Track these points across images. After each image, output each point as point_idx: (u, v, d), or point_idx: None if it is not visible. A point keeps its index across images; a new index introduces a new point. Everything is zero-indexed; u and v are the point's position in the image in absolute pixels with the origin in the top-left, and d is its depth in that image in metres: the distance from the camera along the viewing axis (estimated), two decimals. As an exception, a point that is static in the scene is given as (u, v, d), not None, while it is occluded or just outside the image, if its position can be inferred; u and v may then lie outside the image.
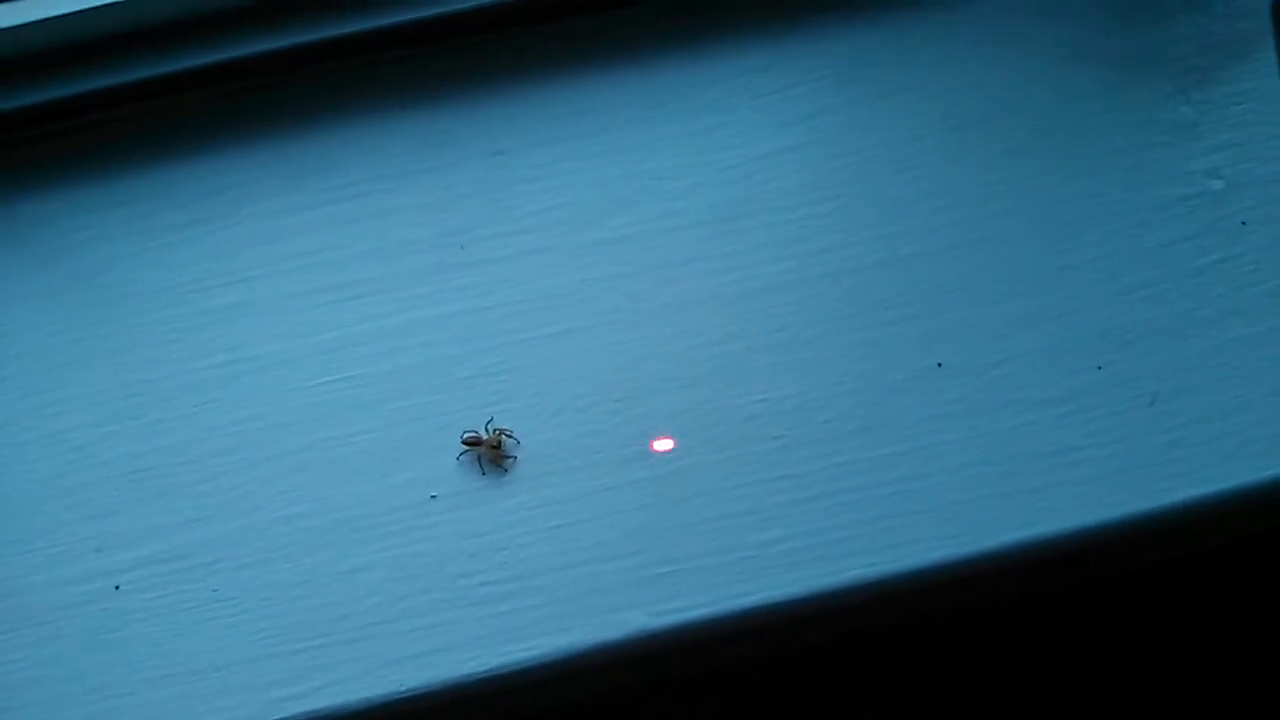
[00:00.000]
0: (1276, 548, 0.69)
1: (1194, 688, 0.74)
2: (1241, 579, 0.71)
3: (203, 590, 0.56)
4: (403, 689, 0.54)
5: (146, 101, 0.66)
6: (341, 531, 0.57)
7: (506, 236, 0.64)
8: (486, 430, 0.58)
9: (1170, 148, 0.63)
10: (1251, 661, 0.74)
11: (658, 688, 0.65)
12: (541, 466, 0.58)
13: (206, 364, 0.62)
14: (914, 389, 0.58)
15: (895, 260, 0.61)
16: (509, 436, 0.58)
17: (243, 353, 0.62)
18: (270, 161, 0.66)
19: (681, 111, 0.66)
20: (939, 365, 0.59)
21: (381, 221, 0.64)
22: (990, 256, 0.61)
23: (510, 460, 0.58)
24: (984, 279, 0.60)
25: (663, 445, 0.57)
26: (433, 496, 0.58)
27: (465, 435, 0.58)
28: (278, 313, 0.62)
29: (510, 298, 0.62)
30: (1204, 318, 0.59)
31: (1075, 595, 0.69)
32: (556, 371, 0.60)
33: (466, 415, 0.59)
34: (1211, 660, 0.73)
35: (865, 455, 0.57)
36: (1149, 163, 0.62)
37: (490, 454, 0.58)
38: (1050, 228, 0.61)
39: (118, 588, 0.57)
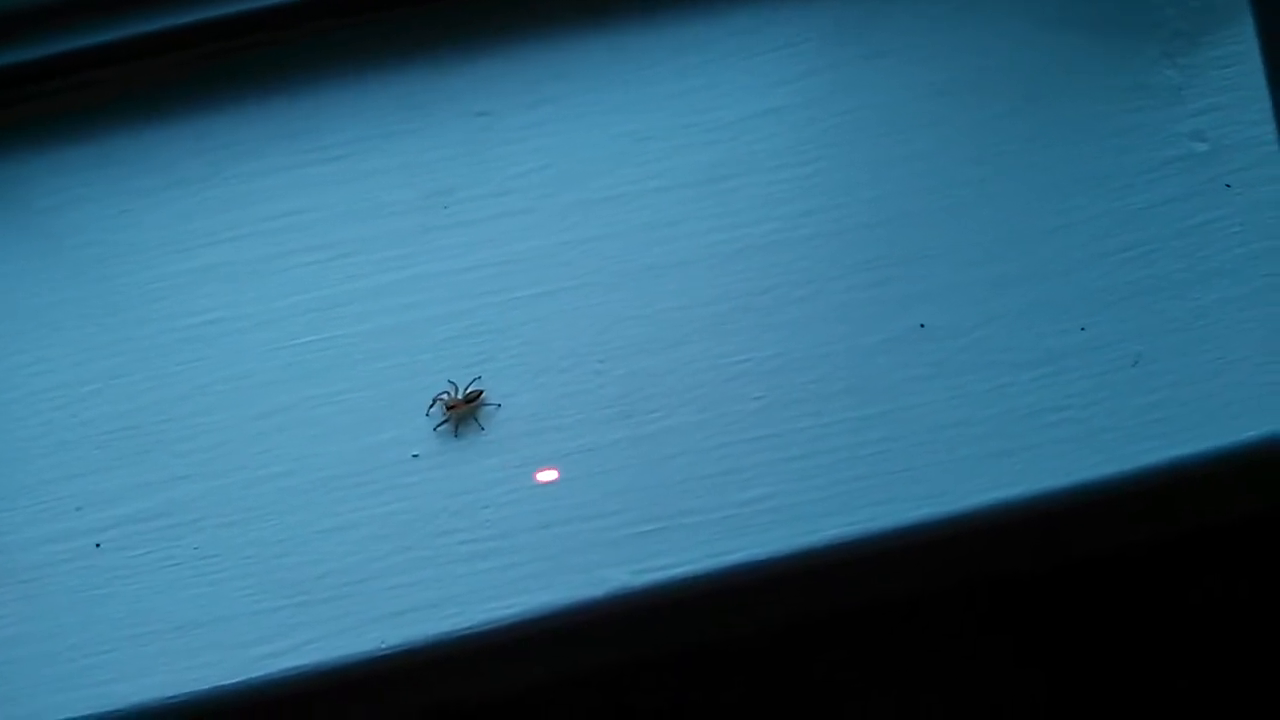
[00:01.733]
0: (1256, 522, 0.69)
1: (1179, 661, 0.74)
2: (1222, 553, 0.72)
3: (184, 548, 0.56)
4: (384, 646, 0.54)
5: (127, 63, 0.66)
6: (323, 490, 0.57)
7: (489, 198, 0.63)
8: (457, 391, 0.58)
9: (1155, 111, 0.63)
10: (1235, 635, 0.74)
11: (646, 666, 0.65)
12: (524, 426, 0.58)
13: (188, 324, 0.61)
14: (896, 350, 0.58)
15: (880, 222, 0.61)
16: (485, 405, 0.58)
17: (224, 313, 0.62)
18: (252, 122, 0.66)
19: (667, 73, 0.65)
20: (921, 326, 0.59)
21: (364, 182, 0.64)
22: (974, 219, 0.61)
23: (484, 415, 0.57)
24: (968, 241, 0.60)
25: (546, 476, 0.57)
26: (414, 455, 0.58)
27: (441, 395, 0.58)
28: (259, 273, 0.62)
29: (493, 259, 0.62)
30: (1188, 279, 0.59)
31: (1059, 571, 0.69)
32: (539, 332, 0.60)
33: (448, 375, 0.59)
34: (1195, 634, 0.74)
35: (847, 415, 0.57)
36: (1134, 126, 0.62)
37: (464, 409, 0.58)
38: (1034, 190, 0.61)
39: (99, 546, 0.57)
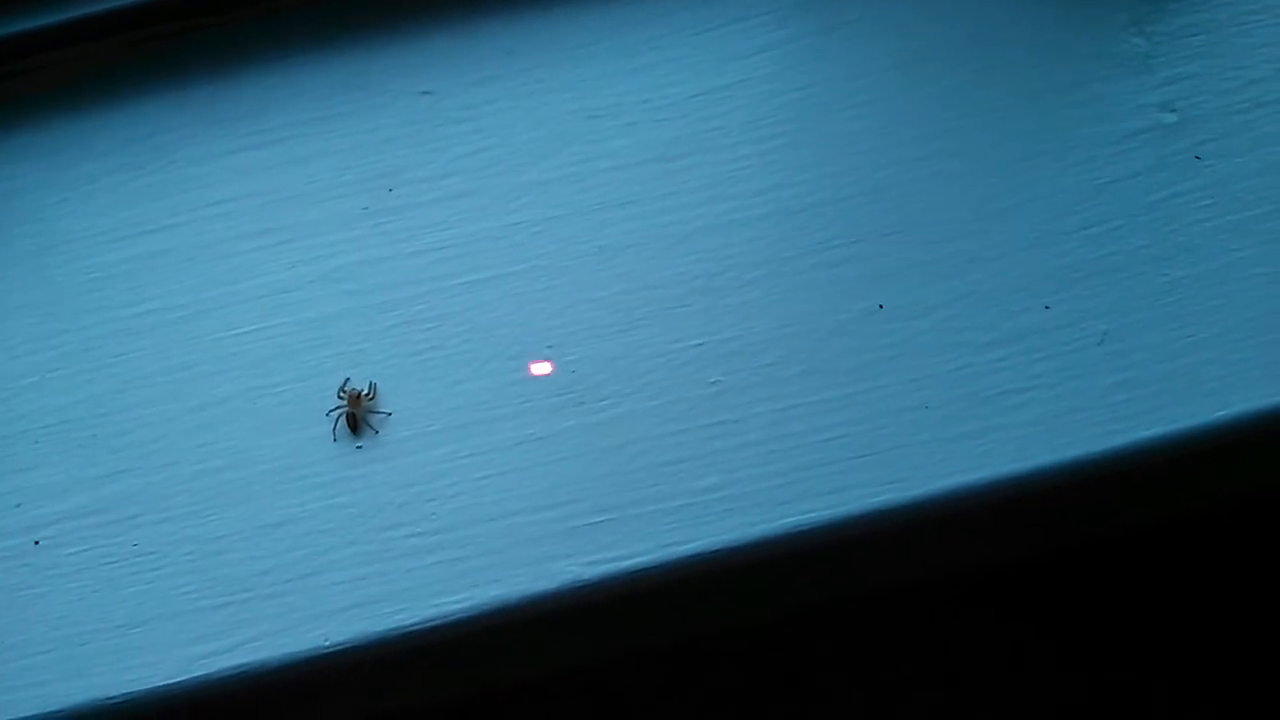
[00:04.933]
0: (1228, 504, 0.68)
1: (1162, 648, 0.73)
2: (1195, 536, 0.70)
3: (123, 545, 0.55)
4: (328, 644, 0.52)
5: (66, 48, 0.64)
6: (265, 483, 0.56)
7: (435, 179, 0.62)
8: (342, 393, 0.57)
9: (1122, 81, 0.60)
10: (1212, 618, 0.73)
11: (617, 663, 0.64)
12: (472, 415, 0.56)
13: (128, 314, 0.60)
14: (855, 331, 0.56)
15: (838, 200, 0.59)
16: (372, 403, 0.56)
17: (165, 302, 0.60)
18: (193, 106, 0.64)
19: (618, 48, 0.63)
20: (881, 307, 0.57)
21: (306, 166, 0.62)
22: (935, 195, 0.59)
23: (379, 417, 0.56)
24: (928, 218, 0.58)
25: (540, 369, 0.56)
26: (359, 447, 0.56)
27: (341, 422, 0.56)
28: (200, 260, 0.60)
29: (439, 242, 0.60)
30: (1156, 255, 0.57)
31: (1026, 558, 0.68)
32: (487, 318, 0.58)
33: (393, 364, 0.57)
34: (1172, 617, 0.72)
35: (805, 399, 0.55)
36: (1100, 97, 0.60)
37: (357, 409, 0.56)
38: (997, 164, 0.59)
39: (37, 543, 0.56)
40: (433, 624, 0.52)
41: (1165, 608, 0.72)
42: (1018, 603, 0.72)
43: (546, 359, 0.57)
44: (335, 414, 0.56)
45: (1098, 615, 0.72)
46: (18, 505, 0.56)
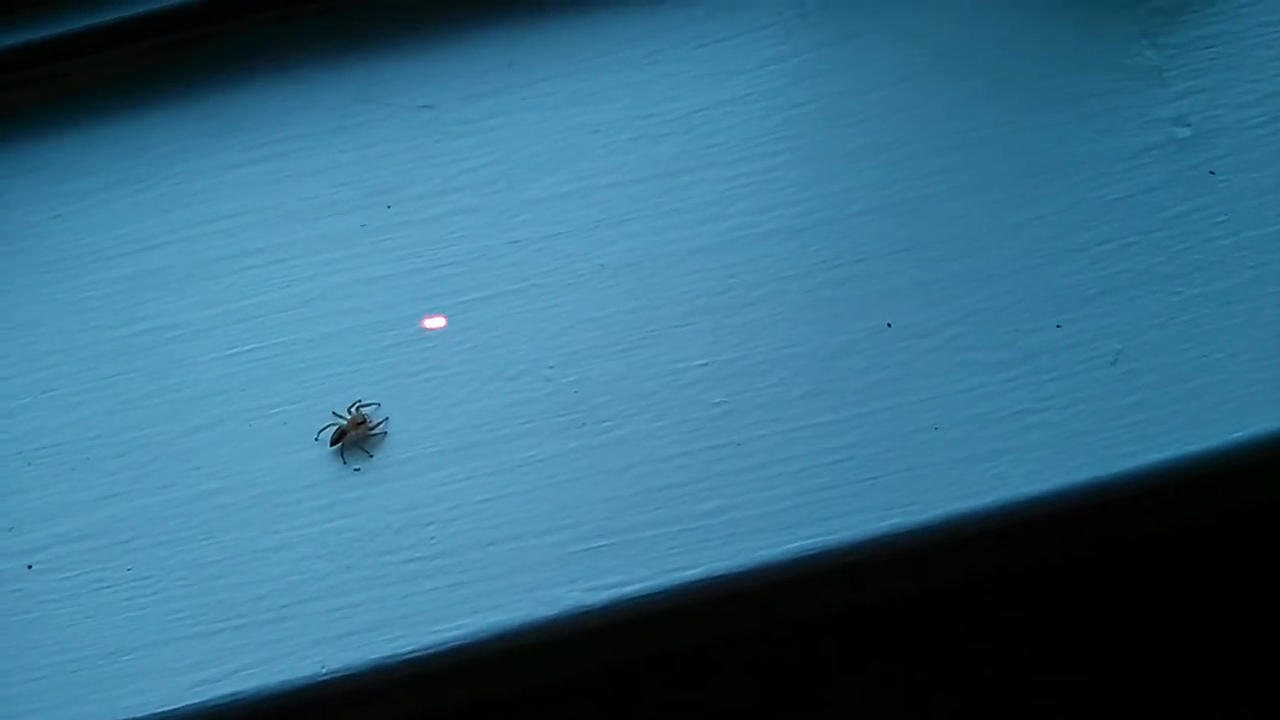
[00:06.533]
0: (1241, 523, 0.67)
1: (1161, 664, 0.72)
2: (1207, 555, 0.70)
3: (117, 569, 0.54)
4: (325, 671, 0.52)
5: (61, 61, 0.64)
6: (261, 507, 0.55)
7: (435, 196, 0.61)
8: (348, 413, 0.56)
9: (1134, 94, 0.59)
10: (1219, 636, 0.72)
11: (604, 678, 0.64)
12: (471, 437, 0.55)
13: (122, 334, 0.59)
14: (862, 351, 0.55)
15: (844, 217, 0.58)
16: (369, 412, 0.55)
17: (159, 321, 0.59)
18: (189, 121, 0.63)
19: (620, 62, 0.63)
20: (889, 326, 0.56)
21: (304, 181, 0.61)
22: (943, 211, 0.58)
23: (379, 436, 0.55)
24: (937, 235, 0.57)
25: (434, 323, 0.56)
26: (356, 470, 0.55)
27: (330, 431, 0.56)
28: (196, 279, 0.60)
29: (439, 260, 0.59)
30: (1169, 272, 0.56)
31: (1036, 574, 0.67)
32: (487, 338, 0.57)
33: (392, 384, 0.56)
34: (1178, 635, 0.72)
35: (811, 421, 0.54)
36: (1112, 111, 0.59)
37: (357, 433, 0.55)
38: (1007, 180, 0.58)
39: (30, 567, 0.55)
40: (430, 651, 0.52)
41: (1169, 614, 0.72)
42: (1030, 607, 0.71)
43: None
44: (330, 427, 0.56)
45: (1102, 621, 0.72)
46: (10, 529, 0.56)
